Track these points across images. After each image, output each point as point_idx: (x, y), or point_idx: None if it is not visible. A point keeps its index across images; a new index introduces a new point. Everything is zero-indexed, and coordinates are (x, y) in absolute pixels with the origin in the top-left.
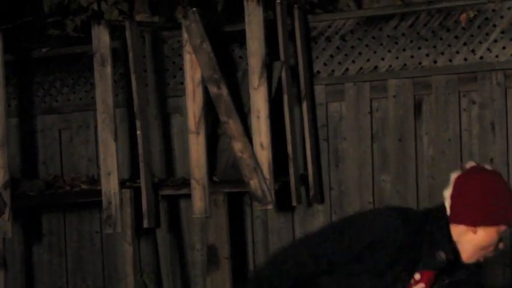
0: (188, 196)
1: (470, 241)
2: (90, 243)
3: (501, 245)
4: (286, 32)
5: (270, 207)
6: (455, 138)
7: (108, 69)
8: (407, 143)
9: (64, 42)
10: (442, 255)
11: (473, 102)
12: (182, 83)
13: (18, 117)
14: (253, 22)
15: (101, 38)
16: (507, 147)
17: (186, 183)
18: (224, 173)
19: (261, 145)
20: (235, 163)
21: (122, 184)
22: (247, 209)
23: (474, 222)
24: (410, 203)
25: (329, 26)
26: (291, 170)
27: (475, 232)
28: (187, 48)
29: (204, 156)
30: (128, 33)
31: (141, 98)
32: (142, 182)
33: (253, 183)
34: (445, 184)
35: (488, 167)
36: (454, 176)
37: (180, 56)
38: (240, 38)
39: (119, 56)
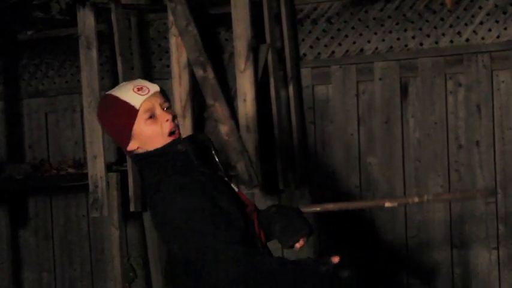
0: None
1: (146, 144)
2: (77, 227)
3: (166, 117)
4: (272, 14)
5: (256, 190)
6: (442, 121)
7: (94, 52)
8: (393, 126)
9: (49, 25)
10: (181, 147)
11: (460, 85)
12: (168, 66)
13: (4, 100)
14: (239, 5)
15: (86, 21)
16: (493, 129)
17: None
18: None
19: (248, 128)
20: (221, 146)
21: (109, 168)
22: None
23: (126, 144)
24: (396, 185)
25: (315, 9)
26: (278, 153)
27: (137, 146)
28: (173, 30)
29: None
30: (113, 16)
31: (127, 81)
32: (129, 166)
33: (240, 166)
34: (431, 167)
35: None
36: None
37: (166, 38)
38: (226, 21)
39: (104, 38)
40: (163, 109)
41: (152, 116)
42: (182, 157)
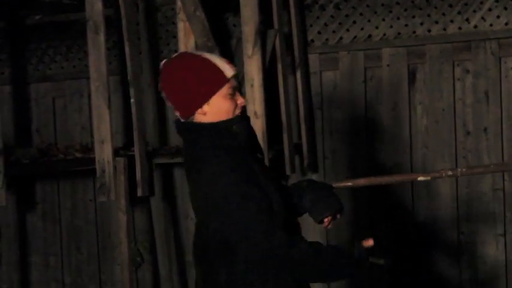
0: (182, 164)
1: (213, 115)
2: (84, 212)
3: (240, 100)
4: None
5: None
6: (449, 108)
7: (101, 36)
8: (401, 112)
9: (57, 9)
10: (236, 128)
11: (467, 72)
12: (176, 51)
13: (12, 85)
14: None
15: (94, 5)
16: (501, 116)
17: (180, 151)
18: None
19: (255, 114)
20: None
21: (116, 152)
22: None
23: (196, 106)
24: (403, 172)
25: None
26: (285, 139)
27: (205, 113)
28: (181, 16)
29: None
30: (121, 1)
31: (135, 65)
32: (136, 150)
33: None
34: (438, 153)
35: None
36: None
37: (174, 23)
38: (234, 6)
39: (112, 23)
40: (233, 102)
41: (233, 94)
42: (234, 137)
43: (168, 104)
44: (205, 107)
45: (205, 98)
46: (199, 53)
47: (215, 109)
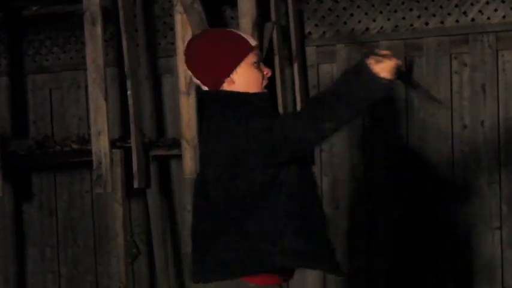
0: (179, 157)
1: (242, 84)
2: (80, 203)
3: (266, 71)
4: None
5: None
6: (446, 101)
7: (99, 28)
8: (398, 105)
9: (54, 0)
10: (261, 102)
11: (465, 65)
12: (173, 43)
13: (9, 76)
14: None
15: None
16: (498, 110)
17: (176, 143)
18: None
19: None
20: None
21: (113, 144)
22: None
23: (224, 75)
24: (400, 165)
25: None
26: None
27: (234, 82)
28: (178, 8)
29: (195, 117)
30: None
31: (132, 57)
32: (133, 142)
33: None
34: (435, 147)
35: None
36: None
37: (171, 16)
38: None
39: (109, 15)
40: (261, 73)
41: (257, 64)
42: (257, 106)
43: (197, 81)
44: (234, 76)
45: (232, 66)
46: (221, 28)
47: (244, 78)
